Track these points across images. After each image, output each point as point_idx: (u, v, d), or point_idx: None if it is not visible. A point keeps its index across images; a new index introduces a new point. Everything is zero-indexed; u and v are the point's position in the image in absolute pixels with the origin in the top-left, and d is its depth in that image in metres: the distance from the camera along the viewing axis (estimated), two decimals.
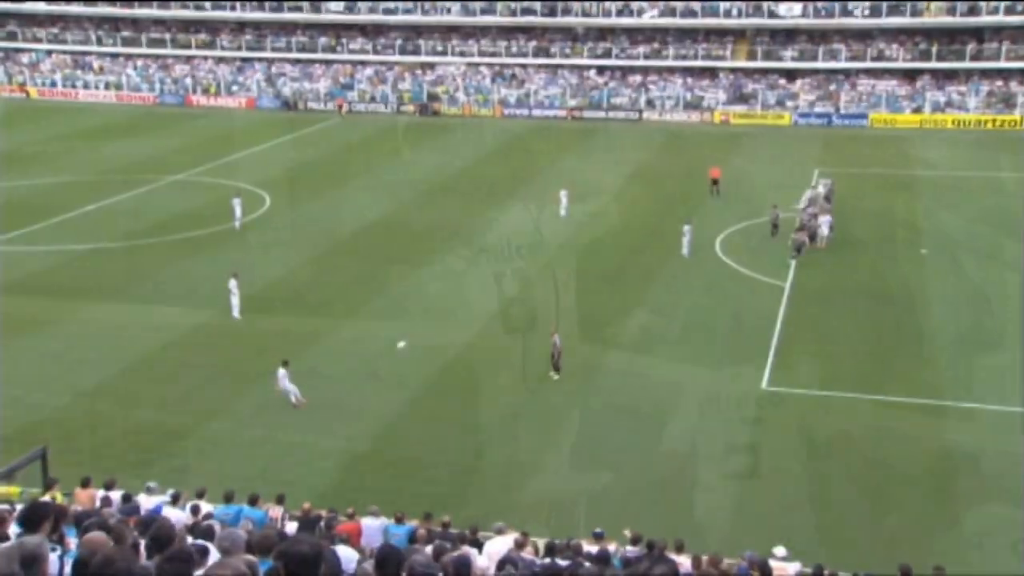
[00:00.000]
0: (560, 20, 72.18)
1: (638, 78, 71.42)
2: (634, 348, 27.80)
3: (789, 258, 35.60)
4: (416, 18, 74.45)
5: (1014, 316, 29.75)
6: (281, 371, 23.65)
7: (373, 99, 72.79)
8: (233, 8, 77.40)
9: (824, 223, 37.89)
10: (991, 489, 20.15)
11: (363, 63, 76.23)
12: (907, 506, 19.65)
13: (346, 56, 76.03)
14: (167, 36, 79.67)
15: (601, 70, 72.22)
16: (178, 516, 13.01)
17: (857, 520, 19.08)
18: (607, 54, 71.72)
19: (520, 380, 25.37)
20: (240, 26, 79.33)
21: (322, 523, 14.76)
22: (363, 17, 75.75)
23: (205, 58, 78.56)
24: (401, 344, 26.78)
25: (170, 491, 15.04)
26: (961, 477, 20.69)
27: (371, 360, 26.76)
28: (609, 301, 31.57)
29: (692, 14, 70.00)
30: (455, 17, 74.11)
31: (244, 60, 78.13)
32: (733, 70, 70.48)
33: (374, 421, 23.14)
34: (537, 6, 72.48)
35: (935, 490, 20.31)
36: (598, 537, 13.91)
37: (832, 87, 69.00)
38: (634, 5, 70.94)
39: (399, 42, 75.27)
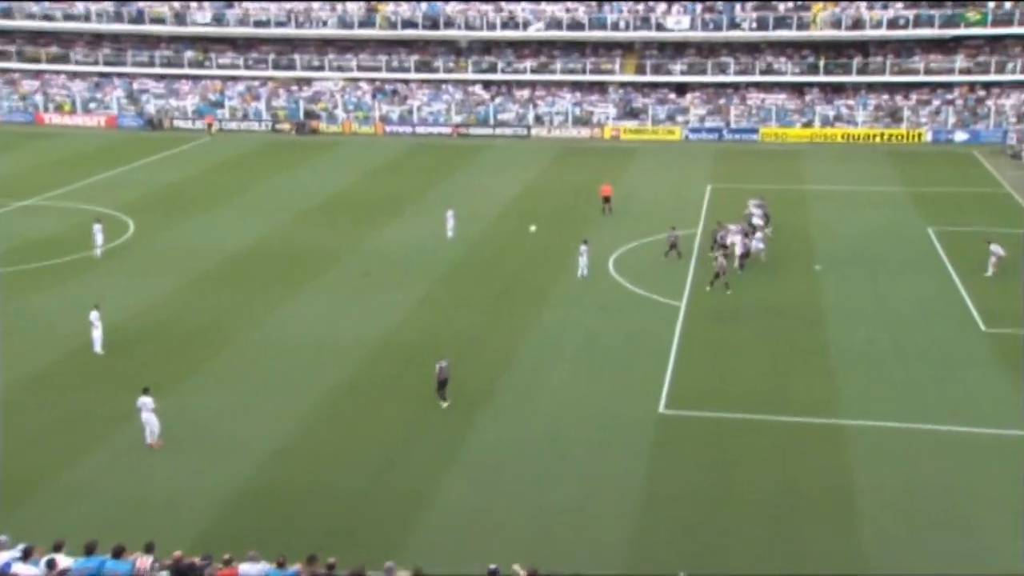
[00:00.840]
0: (442, 33, 71.96)
1: (525, 93, 72.06)
2: (527, 372, 27.90)
3: (711, 278, 35.99)
4: (290, 31, 73.10)
5: (909, 331, 31.24)
6: (143, 399, 23.01)
7: (245, 116, 71.49)
8: (87, 19, 74.90)
9: (757, 239, 39.05)
10: (890, 507, 20.73)
11: (234, 79, 74.48)
12: (808, 527, 20.02)
13: (215, 71, 73.97)
14: (12, 48, 76.34)
15: (487, 85, 72.53)
16: (31, 572, 12.42)
17: (759, 542, 19.47)
18: (492, 68, 71.96)
19: (408, 408, 25.27)
20: (96, 38, 76.47)
21: (196, 571, 14.56)
22: (233, 30, 73.66)
23: (57, 73, 75.58)
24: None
25: (21, 545, 14.58)
26: (860, 496, 21.16)
27: (247, 393, 26.35)
28: (500, 324, 31.78)
29: (579, 27, 70.91)
30: (331, 30, 73.07)
31: (102, 75, 75.25)
32: (622, 84, 72.06)
33: (251, 457, 22.76)
34: (419, 19, 72.52)
35: (836, 510, 20.67)
36: (492, 575, 13.92)
37: (722, 101, 71.29)
38: (519, 18, 71.80)
39: (272, 56, 73.68)
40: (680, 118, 70.61)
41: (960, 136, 65.81)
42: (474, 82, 72.83)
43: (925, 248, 41.17)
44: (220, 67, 74.30)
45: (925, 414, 25.51)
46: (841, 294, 35.12)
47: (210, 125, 70.21)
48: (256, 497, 20.94)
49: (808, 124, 69.32)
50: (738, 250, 37.61)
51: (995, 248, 37.39)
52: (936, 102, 69.00)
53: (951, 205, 48.64)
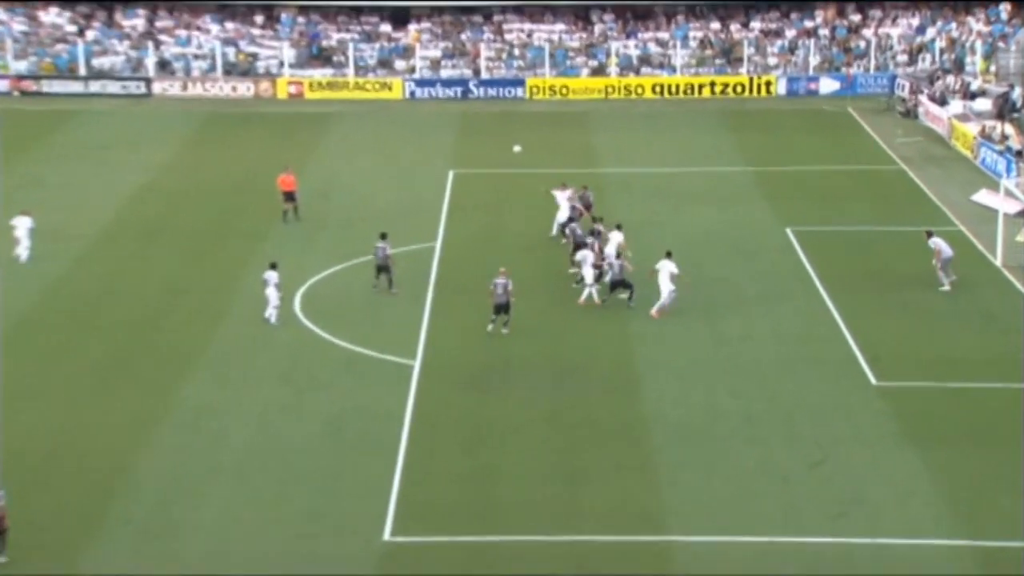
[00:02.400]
0: None
1: (139, 23, 70.45)
2: (157, 500, 27.58)
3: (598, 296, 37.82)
4: None
5: (765, 391, 32.76)
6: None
7: None
8: None
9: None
10: None
11: None
12: None
13: None
14: None
15: (79, 15, 71.16)
16: None
17: None
18: None
19: None
20: None
21: None
22: None
23: None
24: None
25: None
26: None
27: None
28: (106, 419, 31.27)
29: None
30: None
31: None
32: (303, 8, 71.95)
33: None
34: None
35: None
36: None
37: (465, 36, 72.26)
38: None
39: None
40: (400, 64, 70.82)
41: (827, 85, 69.36)
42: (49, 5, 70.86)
43: (783, 260, 42.40)
44: None
45: (798, 522, 26.26)
46: (664, 339, 36.28)
47: None
48: None
49: (600, 71, 70.85)
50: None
51: (938, 244, 39.09)
52: (790, 33, 72.56)
53: (818, 192, 50.69)
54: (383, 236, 39.74)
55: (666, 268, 37.05)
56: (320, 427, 30.70)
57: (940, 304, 37.93)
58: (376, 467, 28.50)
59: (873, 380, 32.98)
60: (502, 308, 36.17)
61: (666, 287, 36.99)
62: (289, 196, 46.66)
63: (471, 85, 69.55)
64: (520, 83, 69.48)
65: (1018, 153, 51.00)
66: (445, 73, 70.83)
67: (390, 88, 69.37)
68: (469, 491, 27.60)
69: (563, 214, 43.54)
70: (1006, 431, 29.81)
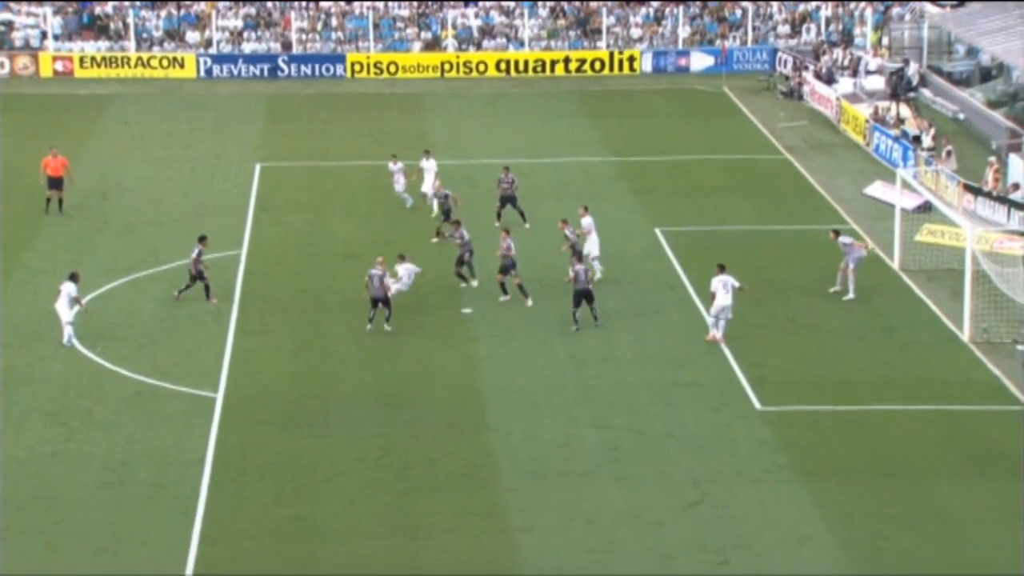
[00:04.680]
0: None
1: None
2: None
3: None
4: None
5: (633, 419, 33.18)
6: None
7: None
8: None
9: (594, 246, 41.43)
10: None
11: None
12: None
13: None
14: None
15: None
16: None
17: None
18: None
19: None
20: None
21: None
22: None
23: None
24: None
25: None
26: None
27: None
28: None
29: None
30: None
31: None
32: None
33: None
34: None
35: None
36: None
37: (272, 3, 71.64)
38: None
39: None
40: (193, 36, 70.23)
41: (699, 60, 70.54)
42: None
43: (652, 266, 43.02)
44: None
45: (673, 572, 26.51)
46: (513, 362, 36.46)
47: None
48: None
49: (435, 45, 71.08)
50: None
51: (847, 243, 40.02)
52: (655, 2, 73.54)
53: (691, 185, 51.51)
54: (202, 239, 39.81)
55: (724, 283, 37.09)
56: (99, 476, 30.21)
57: (832, 316, 38.83)
58: (170, 523, 28.07)
59: (757, 405, 33.46)
60: (378, 302, 36.75)
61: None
62: (55, 183, 46.17)
63: (280, 62, 69.22)
64: (339, 59, 69.36)
65: (916, 139, 52.55)
66: (248, 47, 70.26)
67: (181, 65, 68.66)
68: (284, 549, 27.21)
69: (427, 185, 46.04)
70: (907, 460, 30.70)
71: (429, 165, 47.17)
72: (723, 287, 36.22)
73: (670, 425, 32.47)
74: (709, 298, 37.92)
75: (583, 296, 37.17)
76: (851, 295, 39.54)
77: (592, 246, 40.93)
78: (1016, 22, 59.46)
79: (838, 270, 39.93)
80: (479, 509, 28.59)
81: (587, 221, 41.21)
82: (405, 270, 38.57)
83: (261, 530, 27.89)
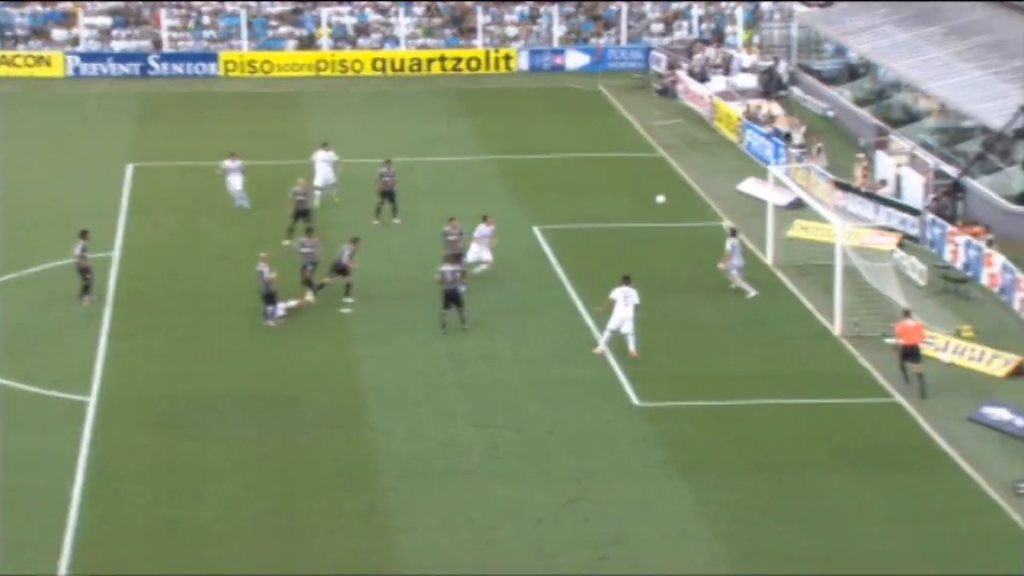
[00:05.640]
0: None
1: None
2: None
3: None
4: None
5: (512, 418, 33.31)
6: None
7: None
8: None
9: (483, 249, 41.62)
10: None
11: None
12: None
13: None
14: None
15: None
16: None
17: None
18: None
19: None
20: None
21: None
22: None
23: None
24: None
25: None
26: None
27: None
28: None
29: None
30: None
31: None
32: None
33: None
34: None
35: None
36: None
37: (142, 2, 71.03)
38: None
39: None
40: (60, 34, 69.33)
41: (575, 59, 70.80)
42: None
43: (531, 264, 43.22)
44: None
45: (553, 568, 26.61)
46: (392, 362, 36.62)
47: None
48: None
49: (310, 43, 70.73)
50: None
51: (734, 247, 40.53)
52: (530, 0, 73.65)
53: (569, 184, 51.81)
54: (83, 235, 39.46)
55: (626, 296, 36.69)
56: None
57: (708, 312, 39.22)
58: (41, 530, 27.77)
59: (636, 401, 33.83)
60: (268, 299, 36.88)
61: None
62: None
63: (151, 60, 68.39)
64: (212, 58, 68.72)
65: (787, 136, 53.30)
66: (118, 46, 69.39)
67: (48, 63, 67.59)
68: (162, 553, 27.01)
69: (320, 178, 46.91)
70: (782, 453, 31.16)
71: (327, 156, 47.67)
72: (623, 299, 36.09)
73: (550, 423, 32.63)
74: (590, 297, 38.41)
75: (450, 297, 37.22)
76: (751, 294, 40.09)
77: (474, 254, 41.00)
78: (881, 21, 60.65)
79: (721, 269, 40.46)
80: (359, 509, 28.58)
81: (481, 230, 41.33)
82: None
83: (137, 534, 27.68)
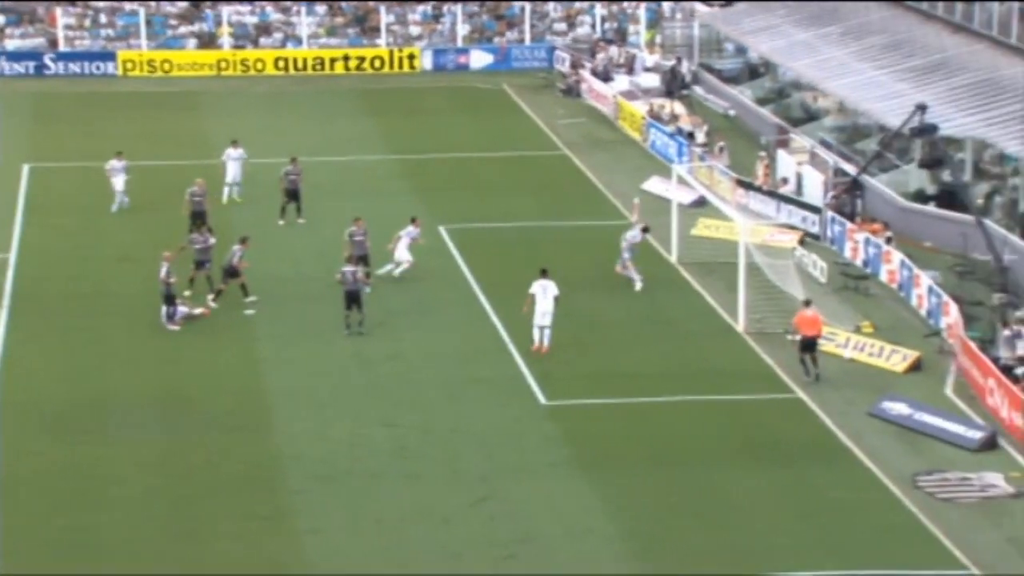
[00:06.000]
0: None
1: None
2: None
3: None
4: None
5: (419, 418, 33.40)
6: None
7: None
8: None
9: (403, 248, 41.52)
10: None
11: None
12: None
13: None
14: None
15: None
16: None
17: None
18: None
19: None
20: None
21: None
22: None
23: None
24: None
25: None
26: None
27: None
28: None
29: None
30: None
31: None
32: None
33: None
34: None
35: None
36: None
37: None
38: None
39: None
40: None
41: (479, 58, 70.72)
42: None
43: (437, 263, 43.14)
44: None
45: (461, 568, 26.82)
46: (298, 363, 36.51)
47: None
48: None
49: (211, 42, 70.20)
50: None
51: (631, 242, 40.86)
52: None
53: (474, 183, 51.99)
54: None
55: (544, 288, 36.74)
56: None
57: (614, 310, 39.41)
58: None
59: (543, 400, 34.00)
60: (168, 300, 36.90)
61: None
62: None
63: (47, 60, 67.35)
64: (110, 57, 67.82)
65: (690, 135, 53.68)
66: (12, 44, 68.35)
67: None
68: (62, 560, 26.77)
69: (230, 176, 47.13)
70: (687, 450, 31.44)
71: (237, 154, 47.64)
72: (542, 292, 36.18)
73: (457, 422, 32.71)
74: (496, 296, 38.55)
75: (351, 299, 37.13)
76: (639, 283, 40.51)
77: (399, 254, 41.03)
78: (780, 21, 61.33)
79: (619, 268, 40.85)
80: (264, 512, 28.42)
81: (409, 231, 41.31)
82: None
83: (38, 542, 27.41)
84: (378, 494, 29.21)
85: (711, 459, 30.91)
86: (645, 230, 41.57)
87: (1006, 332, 34.76)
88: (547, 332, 36.31)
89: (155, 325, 37.58)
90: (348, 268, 37.15)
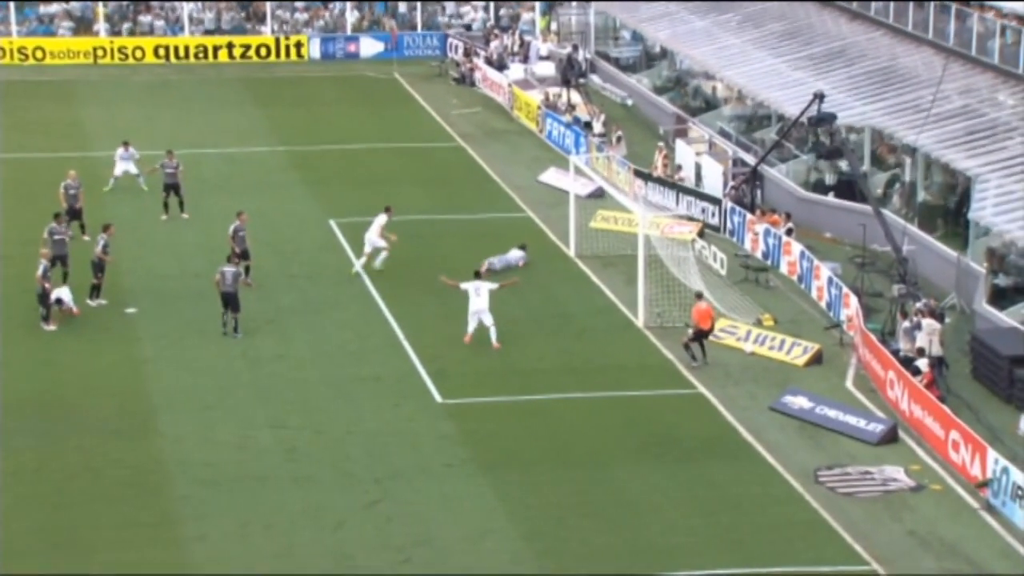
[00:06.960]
0: None
1: None
2: None
3: None
4: None
5: (312, 419, 33.26)
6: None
7: None
8: None
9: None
10: None
11: None
12: None
13: None
14: None
15: None
16: None
17: None
18: None
19: None
20: None
21: None
22: None
23: None
24: None
25: None
26: None
27: None
28: None
29: None
30: None
31: None
32: None
33: None
34: None
35: None
36: None
37: None
38: None
39: None
40: None
41: (369, 46, 70.70)
42: None
43: (328, 258, 43.27)
44: None
45: (357, 572, 26.75)
46: (182, 364, 36.37)
47: None
48: None
49: (87, 28, 69.78)
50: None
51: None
52: None
53: (366, 175, 51.87)
54: None
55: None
56: None
57: (511, 305, 38.97)
58: None
59: (438, 398, 33.95)
60: (43, 300, 36.47)
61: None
62: None
63: None
64: None
65: (587, 125, 53.83)
66: None
67: None
68: None
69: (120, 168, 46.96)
70: (586, 447, 31.45)
71: (127, 154, 47.44)
72: (474, 291, 36.29)
73: (349, 422, 32.55)
74: (389, 292, 38.48)
75: (226, 300, 36.72)
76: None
77: (370, 245, 41.16)
78: (677, 8, 61.71)
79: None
80: (148, 519, 28.09)
81: (380, 219, 41.41)
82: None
83: None
84: (267, 498, 28.93)
85: (611, 457, 30.94)
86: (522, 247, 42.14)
87: (905, 324, 35.08)
88: (492, 332, 36.41)
89: (30, 325, 37.06)
90: (228, 268, 36.73)
